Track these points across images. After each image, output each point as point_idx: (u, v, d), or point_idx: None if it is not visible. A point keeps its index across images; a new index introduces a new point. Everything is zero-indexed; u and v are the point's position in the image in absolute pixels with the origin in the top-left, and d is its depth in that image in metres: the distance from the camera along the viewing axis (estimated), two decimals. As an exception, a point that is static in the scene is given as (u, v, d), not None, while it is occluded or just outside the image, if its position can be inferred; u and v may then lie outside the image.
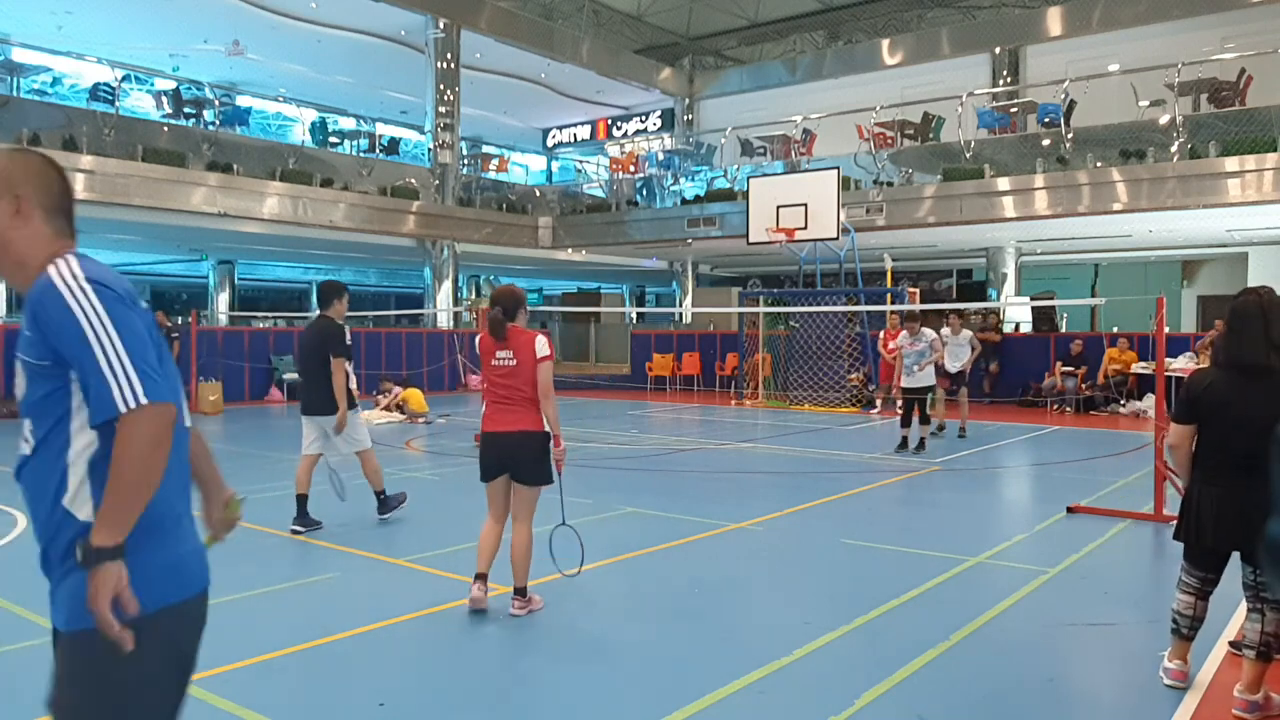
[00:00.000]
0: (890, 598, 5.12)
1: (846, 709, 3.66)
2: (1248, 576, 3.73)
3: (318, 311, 7.07)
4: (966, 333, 12.79)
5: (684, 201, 23.76)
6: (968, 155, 19.20)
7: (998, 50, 24.16)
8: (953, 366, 12.52)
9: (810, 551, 6.50)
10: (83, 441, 1.87)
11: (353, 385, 6.95)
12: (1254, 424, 3.48)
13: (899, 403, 11.38)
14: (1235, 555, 3.83)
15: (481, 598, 4.90)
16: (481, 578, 4.95)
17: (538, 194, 27.18)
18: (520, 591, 4.92)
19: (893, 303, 15.42)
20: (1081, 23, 22.67)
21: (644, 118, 31.75)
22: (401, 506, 7.19)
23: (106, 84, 18.91)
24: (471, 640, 4.64)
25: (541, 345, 4.89)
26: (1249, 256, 23.11)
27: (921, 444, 11.02)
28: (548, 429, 4.91)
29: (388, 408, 15.00)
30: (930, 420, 11.44)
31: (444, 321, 23.48)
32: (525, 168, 35.89)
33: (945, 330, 12.56)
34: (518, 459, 4.90)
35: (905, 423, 11.05)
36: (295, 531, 6.74)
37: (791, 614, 4.98)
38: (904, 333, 11.21)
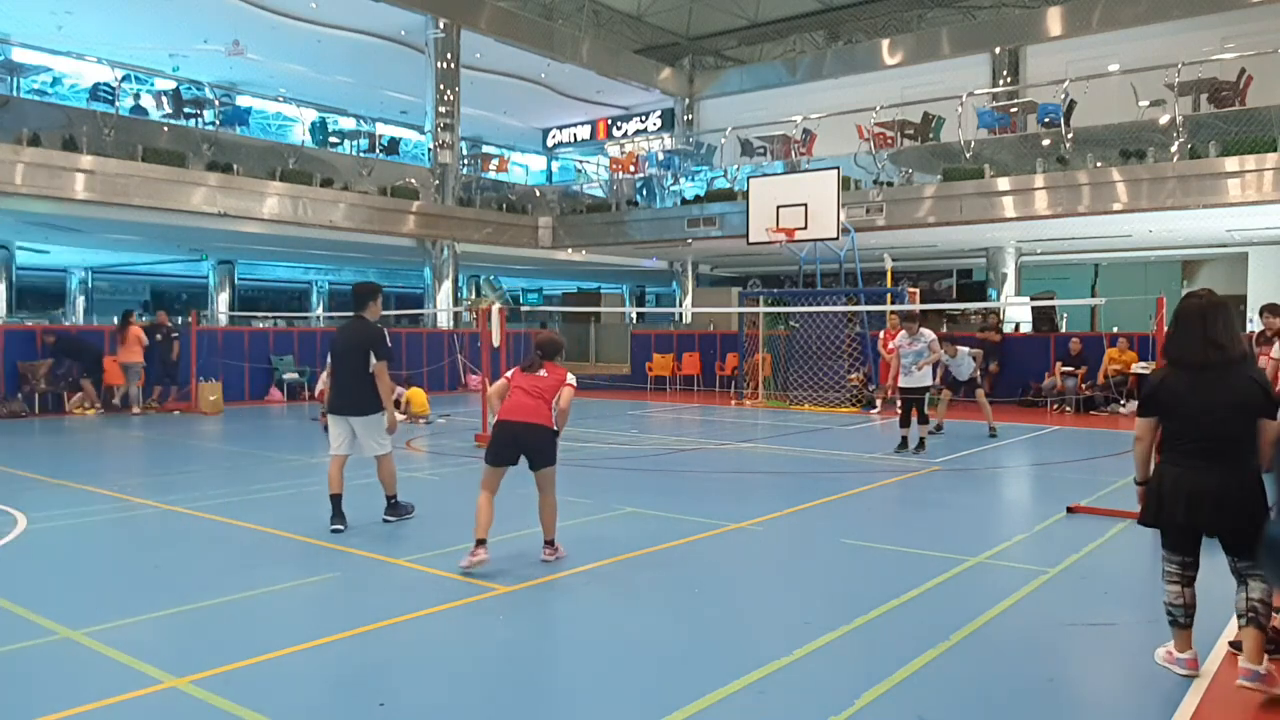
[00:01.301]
0: (890, 598, 5.12)
1: (846, 709, 3.66)
2: (1232, 564, 4.00)
3: (353, 313, 7.12)
4: (962, 349, 12.99)
5: (684, 201, 23.76)
6: (968, 155, 19.20)
7: (998, 50, 24.17)
8: (962, 377, 12.92)
9: (810, 551, 6.50)
10: None
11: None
12: (1205, 411, 3.93)
13: (898, 403, 11.38)
14: (1215, 549, 4.03)
15: (483, 559, 5.56)
16: (481, 543, 5.60)
17: (538, 194, 27.18)
18: (550, 543, 5.94)
19: (893, 303, 15.42)
20: (1081, 23, 22.67)
21: (644, 118, 31.75)
22: (408, 517, 7.16)
23: (106, 84, 18.91)
24: (471, 640, 4.64)
25: (571, 377, 5.88)
26: (1249, 256, 23.11)
27: (921, 444, 11.01)
28: (554, 427, 5.81)
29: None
30: (929, 420, 11.43)
31: (444, 321, 23.47)
32: (525, 168, 35.89)
33: (942, 355, 12.87)
34: (531, 447, 5.73)
35: (904, 423, 11.04)
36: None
37: (791, 614, 4.98)
38: (902, 332, 11.21)
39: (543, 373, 5.81)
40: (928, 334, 11.06)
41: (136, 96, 19.20)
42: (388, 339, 6.99)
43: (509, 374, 5.91)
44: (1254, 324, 17.03)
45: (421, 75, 23.07)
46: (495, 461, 5.74)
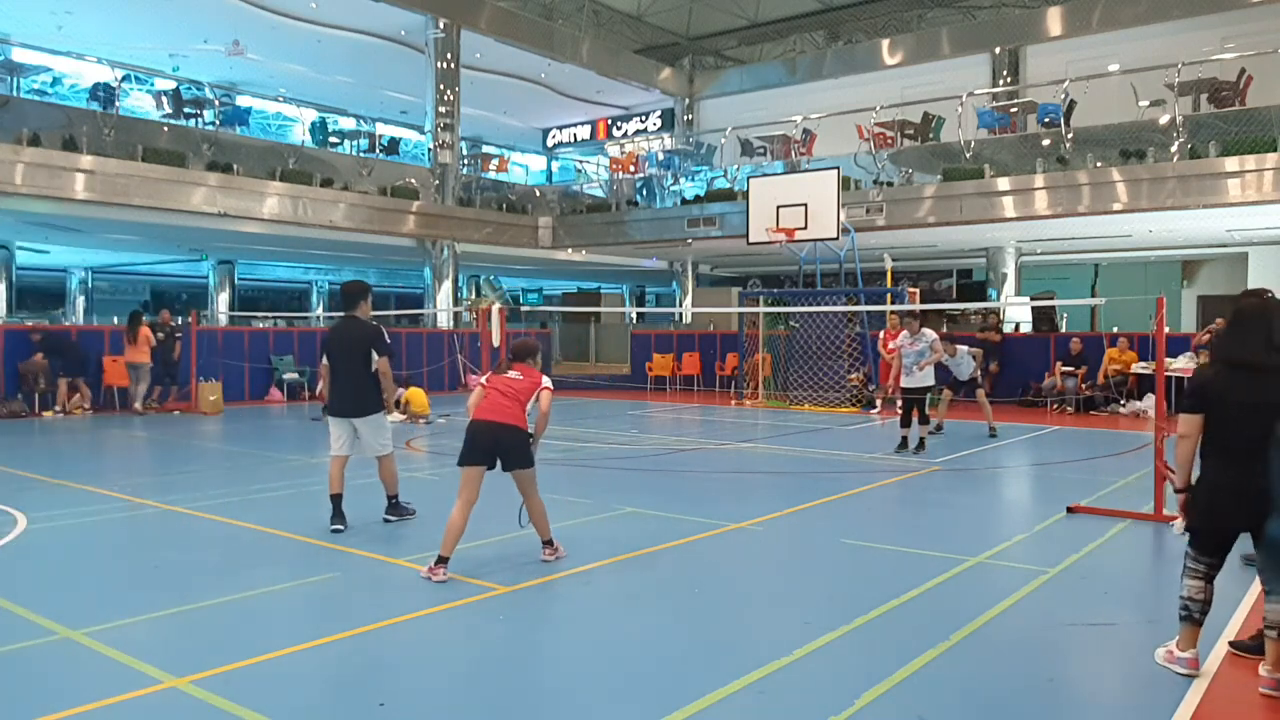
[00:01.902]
0: (890, 598, 5.12)
1: (846, 709, 3.66)
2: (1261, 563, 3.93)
3: (343, 313, 7.09)
4: (962, 349, 13.01)
5: (684, 201, 23.75)
6: (968, 155, 19.19)
7: (998, 50, 24.16)
8: (963, 377, 12.96)
9: (810, 551, 6.50)
10: None
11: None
12: (1255, 412, 3.79)
13: (898, 403, 11.37)
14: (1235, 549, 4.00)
15: (443, 578, 5.40)
16: (443, 561, 5.45)
17: (538, 194, 27.18)
18: (548, 543, 5.91)
19: (893, 303, 15.42)
20: (1081, 23, 22.67)
21: (644, 118, 31.75)
22: (408, 518, 7.16)
23: (106, 84, 18.89)
24: (471, 640, 4.64)
25: (546, 380, 5.80)
26: (1249, 256, 23.11)
27: (921, 444, 11.00)
28: (528, 429, 5.73)
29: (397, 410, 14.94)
30: (930, 420, 11.41)
31: (444, 321, 23.47)
32: (525, 168, 35.89)
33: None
34: (504, 446, 5.63)
35: (905, 423, 11.02)
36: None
37: (791, 614, 4.98)
38: (904, 332, 11.19)
39: (514, 374, 5.74)
40: (929, 334, 11.05)
41: (109, 89, 18.99)
42: (386, 335, 6.97)
43: (484, 380, 5.86)
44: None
45: (421, 75, 23.06)
46: (467, 461, 5.61)
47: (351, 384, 6.85)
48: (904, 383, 11.03)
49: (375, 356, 6.80)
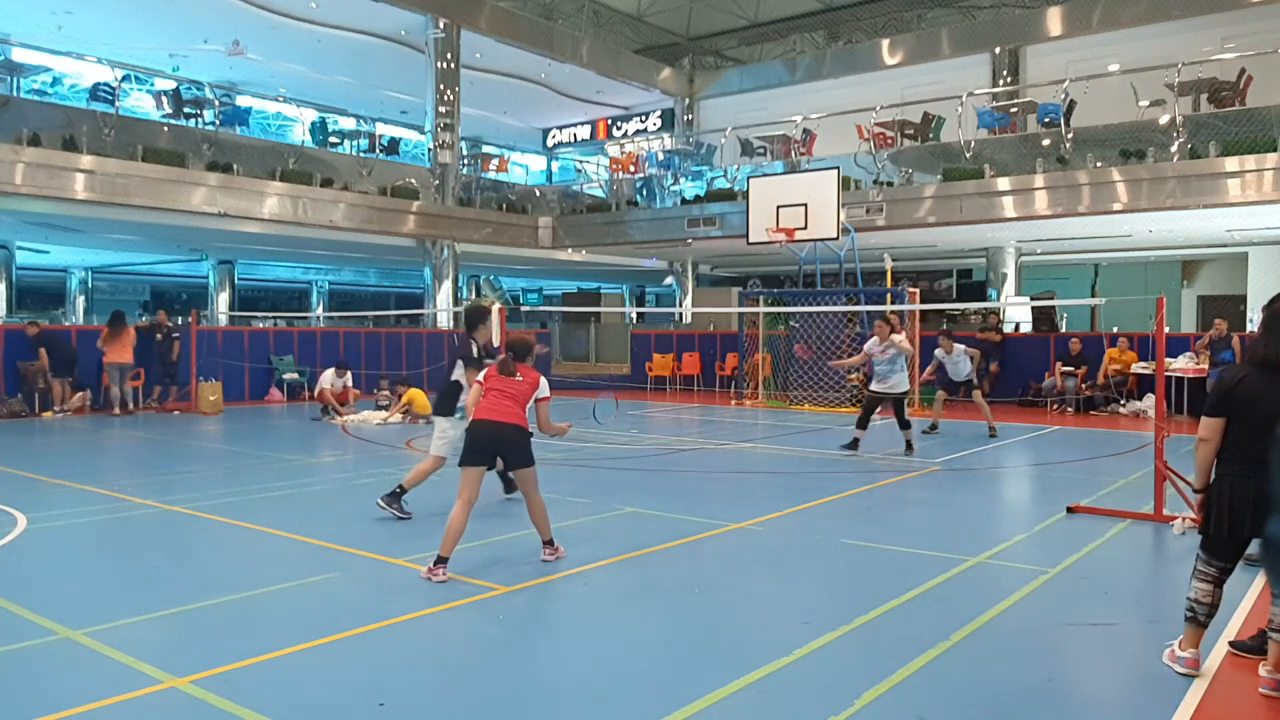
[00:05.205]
0: (890, 598, 5.12)
1: (846, 709, 3.66)
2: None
3: (464, 330, 7.59)
4: (959, 347, 13.00)
5: (684, 201, 23.75)
6: (968, 155, 19.19)
7: (998, 50, 24.15)
8: (958, 377, 13.00)
9: (810, 551, 6.50)
10: None
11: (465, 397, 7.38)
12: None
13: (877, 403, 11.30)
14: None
15: (444, 578, 5.39)
16: (443, 561, 5.44)
17: (538, 194, 27.17)
18: (548, 543, 5.91)
19: (893, 303, 15.41)
20: (1081, 23, 22.67)
21: (644, 118, 31.74)
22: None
23: (106, 84, 18.89)
24: (471, 640, 4.64)
25: (544, 387, 5.79)
26: (1249, 256, 23.11)
27: (909, 446, 10.98)
28: (530, 429, 5.74)
29: (399, 410, 14.92)
30: (910, 424, 11.29)
31: (444, 321, 23.46)
32: (525, 168, 35.88)
33: (939, 351, 13.14)
34: (506, 446, 5.68)
35: (862, 424, 11.06)
36: (378, 504, 7.20)
37: (791, 614, 4.98)
38: (874, 339, 11.18)
39: (518, 376, 5.77)
40: (898, 339, 11.05)
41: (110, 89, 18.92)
42: (474, 350, 7.31)
43: (480, 377, 5.89)
44: (1253, 324, 16.98)
45: (421, 75, 23.06)
46: (470, 462, 5.63)
47: (442, 388, 7.43)
48: (875, 387, 11.09)
49: (463, 369, 7.23)
